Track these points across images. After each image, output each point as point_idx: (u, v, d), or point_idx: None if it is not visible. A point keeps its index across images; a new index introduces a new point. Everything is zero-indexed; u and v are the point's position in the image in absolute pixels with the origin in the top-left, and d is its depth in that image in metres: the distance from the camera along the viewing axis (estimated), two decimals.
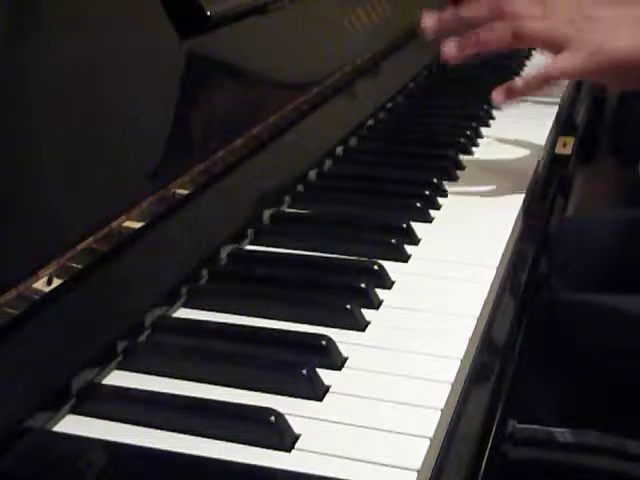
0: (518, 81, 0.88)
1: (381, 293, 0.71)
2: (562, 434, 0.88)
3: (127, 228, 0.65)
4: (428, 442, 0.53)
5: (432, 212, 0.86)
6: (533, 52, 1.56)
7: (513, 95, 0.87)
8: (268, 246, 0.80)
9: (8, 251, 0.56)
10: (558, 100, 1.25)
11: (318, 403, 0.57)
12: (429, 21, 0.92)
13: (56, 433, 0.55)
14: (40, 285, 0.56)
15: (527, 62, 1.46)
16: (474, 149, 1.07)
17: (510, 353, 0.71)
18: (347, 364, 0.61)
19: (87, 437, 0.54)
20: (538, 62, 1.35)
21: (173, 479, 0.52)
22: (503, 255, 0.78)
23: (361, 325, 0.66)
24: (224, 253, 0.76)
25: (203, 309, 0.69)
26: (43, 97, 0.64)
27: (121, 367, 0.61)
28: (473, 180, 0.96)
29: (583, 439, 0.88)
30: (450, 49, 0.89)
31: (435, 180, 0.92)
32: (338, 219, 0.86)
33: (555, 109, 1.21)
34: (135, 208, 0.66)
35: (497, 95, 0.88)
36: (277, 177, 0.88)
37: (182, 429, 0.54)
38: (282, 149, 0.89)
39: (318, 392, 0.58)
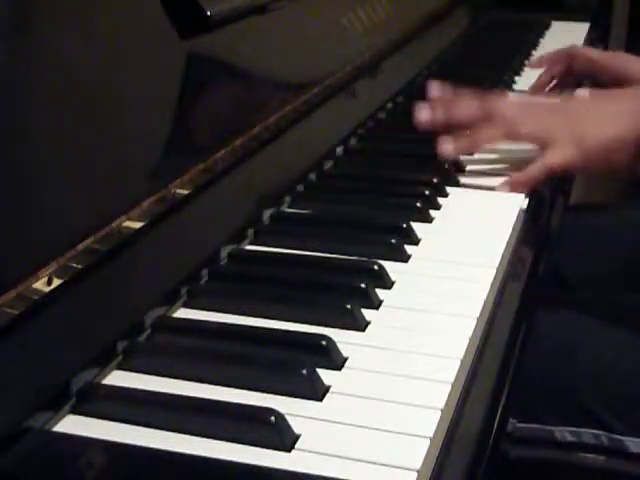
0: (521, 176, 0.94)
1: (381, 293, 0.71)
2: (562, 433, 0.88)
3: (127, 228, 0.65)
4: (428, 442, 0.53)
5: (432, 212, 0.86)
6: (533, 52, 1.56)
7: (519, 188, 0.93)
8: (268, 246, 0.80)
9: (8, 251, 0.56)
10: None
11: (318, 403, 0.57)
12: (423, 113, 0.99)
13: (56, 433, 0.55)
14: (40, 285, 0.56)
15: (526, 62, 1.46)
16: None
17: (510, 353, 0.71)
18: (347, 364, 0.61)
19: (87, 437, 0.54)
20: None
21: (173, 479, 0.52)
22: (503, 255, 0.78)
23: (361, 325, 0.66)
24: (224, 253, 0.76)
25: (203, 309, 0.69)
26: (43, 97, 0.64)
27: (121, 367, 0.61)
28: (473, 180, 0.96)
29: (583, 438, 0.88)
30: (446, 148, 0.96)
31: (435, 180, 0.92)
32: (338, 219, 0.86)
33: None
34: (135, 208, 0.66)
35: (502, 187, 0.93)
36: (277, 177, 0.88)
37: (182, 429, 0.54)
38: (282, 149, 0.89)
39: (318, 392, 0.58)
